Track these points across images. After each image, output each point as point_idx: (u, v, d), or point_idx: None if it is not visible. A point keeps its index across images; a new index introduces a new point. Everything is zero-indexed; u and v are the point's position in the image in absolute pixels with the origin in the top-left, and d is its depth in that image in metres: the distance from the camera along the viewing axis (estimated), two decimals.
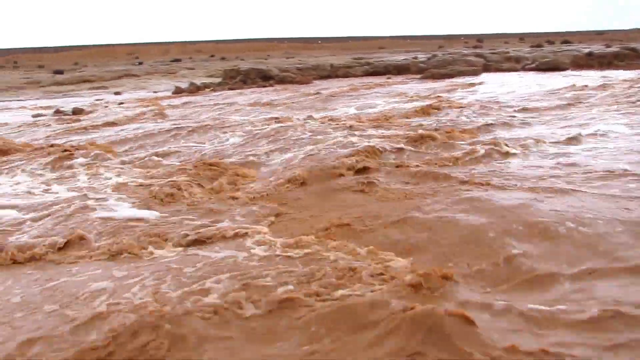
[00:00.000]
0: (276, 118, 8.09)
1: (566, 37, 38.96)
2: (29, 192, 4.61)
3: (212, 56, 35.02)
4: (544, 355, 1.82)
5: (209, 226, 3.39)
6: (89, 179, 5.03)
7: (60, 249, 3.20)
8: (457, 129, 6.52)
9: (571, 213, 3.20)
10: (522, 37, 49.71)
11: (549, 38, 40.65)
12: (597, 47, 22.20)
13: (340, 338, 2.01)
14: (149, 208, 3.94)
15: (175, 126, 7.84)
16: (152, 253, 3.05)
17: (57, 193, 4.52)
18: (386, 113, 8.30)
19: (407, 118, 7.73)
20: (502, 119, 7.24)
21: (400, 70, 18.80)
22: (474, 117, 7.57)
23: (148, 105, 11.36)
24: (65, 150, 6.28)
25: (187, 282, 2.58)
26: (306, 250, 2.85)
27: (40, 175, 5.30)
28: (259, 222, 3.48)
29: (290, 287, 2.42)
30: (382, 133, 6.37)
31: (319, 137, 6.19)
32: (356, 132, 6.36)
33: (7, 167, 5.72)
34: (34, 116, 10.53)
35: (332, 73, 18.68)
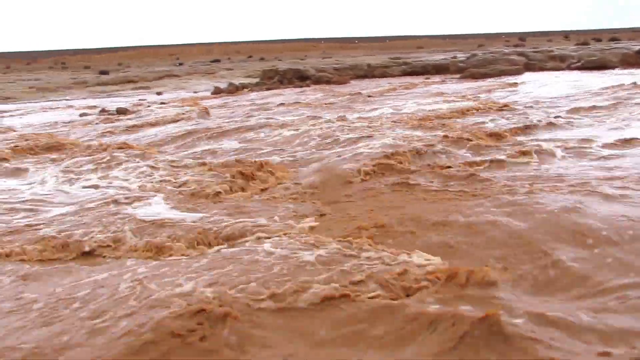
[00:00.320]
0: (313, 118, 8.13)
1: (614, 35, 37.36)
2: (75, 189, 4.81)
3: (251, 57, 35.52)
4: None
5: (251, 225, 3.44)
6: (132, 177, 5.19)
7: (106, 245, 3.33)
8: (498, 129, 6.38)
9: (618, 219, 3.08)
10: (566, 35, 48.07)
11: (596, 35, 39.11)
12: None
13: (381, 339, 2.01)
14: (189, 207, 4.04)
15: (214, 126, 8.00)
16: (194, 251, 3.12)
17: (101, 191, 4.69)
18: (425, 113, 8.20)
19: (447, 119, 7.60)
20: (545, 120, 7.02)
21: (438, 70, 18.53)
22: (516, 117, 7.38)
23: (188, 105, 11.63)
24: (110, 149, 6.52)
25: (230, 279, 2.63)
26: (347, 251, 2.85)
27: (87, 172, 5.51)
28: (300, 222, 3.52)
29: (335, 285, 2.43)
30: (421, 134, 6.29)
31: (356, 137, 6.18)
32: (395, 133, 6.32)
33: (56, 164, 5.99)
34: (80, 115, 10.97)
35: (369, 73, 18.60)
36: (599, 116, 7.33)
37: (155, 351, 1.99)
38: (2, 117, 11.46)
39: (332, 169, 4.88)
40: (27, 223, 3.81)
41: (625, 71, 14.43)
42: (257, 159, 5.43)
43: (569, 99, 9.28)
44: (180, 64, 29.20)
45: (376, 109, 9.25)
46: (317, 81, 16.33)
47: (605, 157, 4.86)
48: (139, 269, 2.88)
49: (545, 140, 5.66)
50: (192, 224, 3.58)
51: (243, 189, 4.53)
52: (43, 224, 3.76)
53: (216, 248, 3.19)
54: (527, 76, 14.95)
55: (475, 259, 2.76)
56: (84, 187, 4.88)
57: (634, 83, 10.31)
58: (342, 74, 17.69)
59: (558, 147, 5.24)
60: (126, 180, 5.08)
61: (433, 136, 6.06)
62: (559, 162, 4.80)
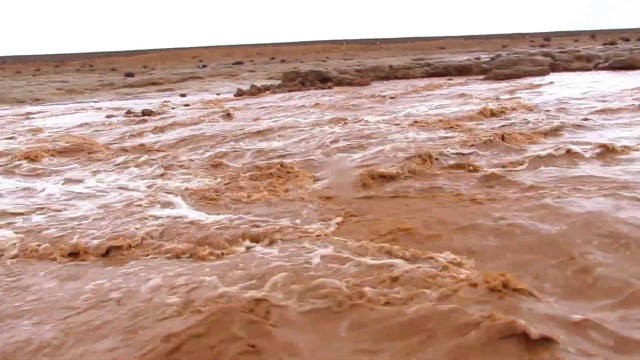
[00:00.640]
0: (336, 120, 8.13)
1: None
2: (100, 190, 4.90)
3: (273, 59, 35.72)
4: None
5: (274, 227, 3.46)
6: (155, 178, 5.27)
7: (133, 246, 3.38)
8: (524, 131, 6.27)
9: None
10: (593, 35, 47.00)
11: (624, 35, 38.13)
12: None
13: (408, 347, 1.99)
14: (212, 209, 4.08)
15: (237, 128, 8.07)
16: (219, 252, 3.15)
17: (126, 191, 4.77)
18: (448, 115, 8.12)
19: (471, 120, 7.52)
20: (572, 121, 6.88)
21: (461, 71, 18.32)
22: (542, 119, 7.24)
23: (211, 107, 11.77)
24: (135, 151, 6.65)
25: (253, 281, 2.65)
26: (372, 254, 2.84)
27: (111, 173, 5.62)
28: (324, 224, 3.52)
29: (365, 289, 2.42)
30: (445, 135, 6.24)
31: (380, 139, 6.15)
32: (418, 135, 6.27)
33: (82, 165, 6.12)
34: (107, 117, 11.20)
35: (391, 74, 18.51)
36: (628, 118, 7.15)
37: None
38: (32, 118, 11.78)
39: (355, 171, 4.87)
40: (53, 223, 3.90)
41: None
42: (279, 161, 5.46)
43: (597, 100, 9.06)
44: (204, 66, 29.56)
45: (399, 110, 9.19)
46: (339, 83, 16.32)
47: (635, 160, 4.73)
48: (167, 269, 2.93)
49: (573, 142, 5.53)
50: (216, 225, 3.61)
51: (265, 191, 4.55)
52: (69, 223, 3.84)
53: (240, 249, 3.21)
54: (553, 77, 14.67)
55: (504, 264, 2.72)
56: (109, 187, 4.97)
57: None
58: (364, 75, 17.65)
59: (586, 149, 5.13)
60: (150, 181, 5.16)
61: (457, 138, 5.99)
62: (587, 164, 4.69)
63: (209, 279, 2.69)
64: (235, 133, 7.60)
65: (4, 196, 4.81)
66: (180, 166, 5.73)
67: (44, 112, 13.16)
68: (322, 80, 16.59)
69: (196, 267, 2.92)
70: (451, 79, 16.30)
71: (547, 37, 44.89)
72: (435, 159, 5.10)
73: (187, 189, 4.69)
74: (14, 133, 9.15)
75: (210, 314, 2.22)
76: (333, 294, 2.39)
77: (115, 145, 7.42)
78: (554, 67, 16.61)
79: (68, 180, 5.35)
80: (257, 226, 3.49)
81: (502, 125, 6.93)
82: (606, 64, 16.29)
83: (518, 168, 4.72)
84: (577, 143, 5.47)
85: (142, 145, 7.05)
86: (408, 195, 4.12)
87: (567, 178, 4.20)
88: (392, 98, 11.49)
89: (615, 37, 35.37)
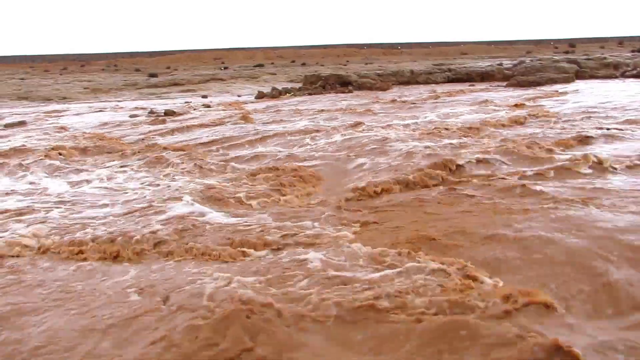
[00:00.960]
0: (356, 124, 8.11)
1: None
2: (123, 189, 4.97)
3: (293, 61, 35.86)
4: None
5: (294, 231, 3.46)
6: (176, 179, 5.33)
7: (155, 245, 3.42)
8: (548, 140, 6.16)
9: None
10: (621, 41, 46.00)
11: None
12: None
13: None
14: (230, 211, 4.10)
15: (258, 130, 8.12)
16: (239, 254, 3.17)
17: (148, 191, 4.83)
18: (470, 122, 8.03)
19: (493, 127, 7.42)
20: (598, 131, 6.73)
21: (483, 77, 18.12)
22: (567, 128, 7.11)
23: (232, 109, 11.86)
24: (157, 150, 6.73)
25: (273, 285, 2.65)
26: (391, 262, 2.82)
27: (134, 172, 5.70)
28: (343, 230, 3.50)
29: (381, 299, 2.40)
30: (466, 142, 6.16)
31: (400, 145, 6.12)
32: (440, 141, 6.21)
33: (105, 163, 6.22)
34: (130, 116, 11.38)
35: (412, 79, 18.41)
36: None
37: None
38: (58, 116, 12.04)
39: (376, 176, 4.85)
40: (77, 221, 3.97)
41: None
42: (299, 165, 5.46)
43: (624, 109, 8.85)
44: (225, 68, 29.84)
45: (420, 116, 9.13)
46: (360, 87, 16.30)
47: None
48: (185, 270, 2.95)
49: (598, 152, 5.41)
50: (234, 227, 3.63)
51: (283, 194, 4.56)
52: (94, 222, 3.90)
53: (258, 253, 3.22)
54: (578, 85, 14.39)
55: (527, 277, 2.66)
56: (132, 187, 5.04)
57: None
58: (385, 80, 17.59)
59: (613, 160, 5.01)
60: (171, 181, 5.21)
61: (479, 146, 5.92)
62: (614, 176, 4.58)
63: (227, 279, 2.70)
64: (255, 135, 7.64)
65: (30, 193, 4.92)
66: (200, 167, 5.77)
67: (70, 110, 13.44)
68: (343, 84, 16.58)
69: (220, 268, 2.94)
70: (473, 85, 16.14)
71: (572, 43, 44.10)
72: (457, 166, 5.04)
73: (207, 190, 4.73)
74: (41, 130, 9.36)
75: (225, 316, 2.23)
76: (350, 301, 2.37)
77: (139, 144, 7.53)
78: (580, 75, 16.31)
79: (92, 178, 5.44)
80: (275, 230, 3.49)
81: (525, 134, 6.82)
82: (634, 72, 15.94)
83: (542, 178, 4.63)
84: (603, 153, 5.34)
85: (164, 145, 7.14)
86: (428, 202, 4.08)
87: (593, 190, 4.10)
88: (413, 103, 11.43)
89: None
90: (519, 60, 21.85)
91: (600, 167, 4.79)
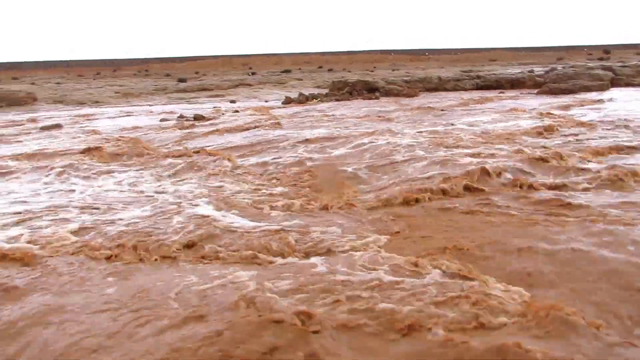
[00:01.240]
0: (384, 131, 8.06)
1: None
2: (154, 192, 5.05)
3: (320, 67, 36.00)
4: None
5: (322, 238, 3.44)
6: (206, 183, 5.38)
7: (187, 249, 3.45)
8: (583, 150, 5.99)
9: None
10: None
11: None
12: None
13: None
14: (260, 216, 4.11)
15: (285, 135, 8.15)
16: (268, 260, 3.17)
17: (176, 195, 4.88)
18: (500, 130, 7.88)
19: (525, 136, 7.26)
20: (636, 141, 6.51)
21: (514, 84, 17.78)
22: (602, 137, 6.90)
23: (260, 114, 11.95)
24: (186, 154, 6.83)
25: (302, 292, 2.63)
26: (421, 272, 2.77)
27: (164, 177, 5.78)
28: (372, 237, 3.47)
29: (410, 310, 2.35)
30: (497, 151, 6.04)
31: (429, 153, 6.04)
32: (469, 149, 6.11)
33: (136, 167, 6.34)
34: (160, 120, 11.60)
35: (440, 86, 18.22)
36: None
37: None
38: (91, 119, 12.36)
39: (405, 185, 4.80)
40: (108, 223, 4.04)
41: None
42: (327, 170, 5.45)
43: None
44: (253, 74, 30.16)
45: (448, 124, 9.01)
46: (387, 93, 16.22)
47: None
48: (217, 273, 2.96)
49: (637, 164, 5.23)
50: (262, 232, 3.64)
51: (313, 200, 4.55)
52: (124, 224, 3.97)
53: (287, 259, 3.21)
54: (614, 92, 13.97)
55: (563, 293, 2.57)
56: (160, 190, 5.11)
57: None
58: (412, 86, 17.45)
59: None
60: (200, 185, 5.27)
61: (510, 155, 5.80)
62: None
63: (257, 284, 2.70)
64: (283, 141, 7.67)
65: (62, 194, 5.04)
66: (229, 172, 5.82)
67: (102, 113, 13.79)
68: (370, 90, 16.54)
69: (249, 273, 2.94)
70: (503, 92, 15.86)
71: (607, 49, 42.90)
72: (487, 175, 4.94)
73: (236, 193, 4.76)
74: (75, 133, 9.62)
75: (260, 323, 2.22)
76: (383, 315, 2.33)
77: (169, 148, 7.65)
78: (615, 82, 15.84)
79: (122, 181, 5.55)
80: (303, 236, 3.48)
81: (558, 143, 6.65)
82: None
83: (577, 189, 4.49)
84: None
85: (193, 149, 7.23)
86: (458, 212, 4.00)
87: (632, 203, 3.95)
88: (441, 110, 11.29)
89: None
90: (551, 67, 21.39)
91: (638, 178, 4.62)
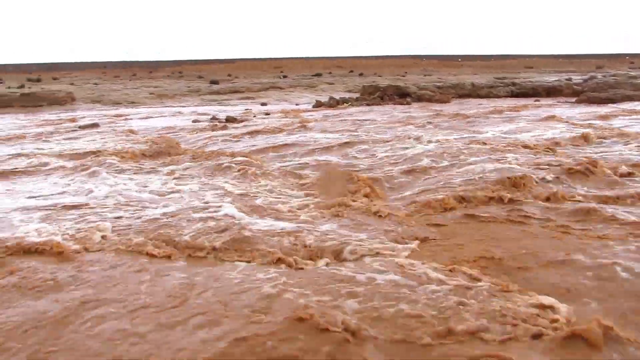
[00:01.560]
0: (415, 137, 7.97)
1: None
2: (184, 192, 5.11)
3: (351, 71, 35.97)
4: None
5: (351, 243, 3.40)
6: (237, 184, 5.42)
7: (215, 248, 3.47)
8: (625, 162, 5.76)
9: None
10: None
11: None
12: None
13: None
14: (290, 218, 4.10)
15: (314, 139, 8.15)
16: (297, 263, 3.16)
17: (207, 195, 4.93)
18: (537, 139, 7.67)
19: (562, 146, 7.04)
20: None
21: (550, 92, 17.35)
22: None
23: (291, 117, 12.01)
24: (218, 156, 6.90)
25: (330, 297, 2.61)
26: (455, 283, 2.70)
27: (197, 177, 5.85)
28: (402, 245, 3.41)
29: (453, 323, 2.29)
30: (532, 161, 5.88)
31: (463, 160, 5.93)
32: (504, 157, 5.97)
33: (169, 166, 6.44)
34: (193, 121, 11.80)
35: (473, 92, 17.93)
36: None
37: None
38: (127, 119, 12.68)
39: (437, 192, 4.71)
40: (141, 220, 4.11)
41: None
42: (358, 175, 5.40)
43: None
44: (284, 77, 30.38)
45: (482, 131, 8.84)
46: (418, 99, 16.07)
47: None
48: (247, 274, 2.96)
49: None
50: (292, 235, 3.62)
51: (345, 205, 4.51)
52: (157, 222, 4.03)
53: (318, 263, 3.19)
54: None
55: (604, 309, 2.46)
56: (192, 190, 5.17)
57: None
58: (445, 92, 17.23)
59: None
60: (231, 185, 5.31)
61: (547, 164, 5.63)
62: None
63: (286, 287, 2.69)
64: (315, 144, 7.67)
65: (97, 192, 5.16)
66: (262, 173, 5.84)
67: (137, 114, 14.13)
68: (401, 96, 16.42)
69: (278, 276, 2.93)
70: (538, 100, 15.49)
71: None
72: (523, 184, 4.81)
73: (267, 195, 4.77)
74: (111, 132, 9.88)
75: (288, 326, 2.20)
76: (414, 325, 2.28)
77: (201, 149, 7.76)
78: None
79: (155, 180, 5.65)
80: (335, 240, 3.45)
81: (598, 153, 6.42)
82: None
83: (617, 202, 4.32)
84: None
85: (225, 150, 7.31)
86: (492, 221, 3.90)
87: None
88: (475, 117, 11.09)
89: None
90: (590, 75, 20.77)
91: None
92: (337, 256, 3.25)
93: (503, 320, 2.30)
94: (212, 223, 3.95)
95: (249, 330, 2.27)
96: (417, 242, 3.47)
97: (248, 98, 19.50)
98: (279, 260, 3.19)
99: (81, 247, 3.56)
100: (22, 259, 3.34)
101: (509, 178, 4.85)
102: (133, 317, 2.50)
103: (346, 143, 7.68)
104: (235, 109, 15.08)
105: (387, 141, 7.69)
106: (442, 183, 4.99)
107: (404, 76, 29.08)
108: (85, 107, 16.78)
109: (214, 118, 11.96)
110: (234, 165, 6.18)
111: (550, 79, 21.74)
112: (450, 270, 2.84)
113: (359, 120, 11.10)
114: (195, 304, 2.61)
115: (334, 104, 15.34)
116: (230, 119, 11.54)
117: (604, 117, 10.46)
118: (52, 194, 5.04)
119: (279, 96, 20.01)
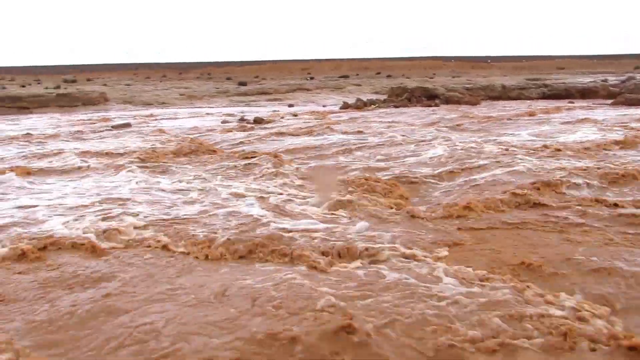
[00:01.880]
0: (445, 139, 7.85)
1: None
2: (215, 192, 5.15)
3: (378, 73, 35.79)
4: None
5: (382, 246, 3.36)
6: (266, 185, 5.43)
7: (250, 248, 3.47)
8: None
9: None
10: None
11: None
12: None
13: None
14: (320, 219, 4.08)
15: (344, 140, 8.12)
16: (328, 263, 3.13)
17: (237, 194, 4.95)
18: (572, 142, 7.45)
19: (599, 149, 6.82)
20: None
21: (584, 94, 16.86)
22: None
23: (318, 119, 12.01)
24: (247, 156, 6.95)
25: (355, 298, 2.57)
26: (492, 289, 2.63)
27: (226, 177, 5.89)
28: (435, 248, 3.35)
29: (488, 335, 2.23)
30: (567, 165, 5.70)
31: (495, 163, 5.80)
32: (538, 161, 5.81)
33: (198, 166, 6.51)
34: (222, 122, 11.92)
35: (504, 94, 17.58)
36: None
37: None
38: (157, 119, 12.91)
39: (468, 196, 4.62)
40: (173, 218, 4.15)
41: None
42: (387, 177, 5.35)
43: None
44: (311, 78, 30.45)
45: (514, 134, 8.64)
46: (447, 101, 15.84)
47: None
48: (282, 275, 2.96)
49: None
50: (322, 236, 3.60)
51: (374, 206, 4.47)
52: (189, 221, 4.06)
53: (350, 265, 3.15)
54: None
55: None
56: (222, 189, 5.21)
57: None
58: (474, 94, 16.95)
59: None
60: (259, 186, 5.33)
61: (582, 168, 5.45)
62: None
63: (318, 288, 2.67)
64: (342, 145, 7.64)
65: (130, 190, 5.25)
66: (289, 174, 5.85)
67: (168, 114, 14.38)
68: (429, 97, 16.22)
69: (309, 276, 2.92)
70: (572, 102, 15.07)
71: None
72: (558, 189, 4.67)
73: (295, 196, 4.77)
74: (143, 132, 10.08)
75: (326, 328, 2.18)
76: (450, 334, 2.23)
77: (230, 149, 7.83)
78: None
79: (185, 179, 5.71)
80: (365, 243, 3.41)
81: (636, 158, 6.19)
82: None
83: None
84: None
85: (253, 151, 7.35)
86: (528, 226, 3.79)
87: None
88: (507, 119, 10.87)
89: None
90: (628, 77, 20.12)
91: None
92: (371, 258, 3.21)
93: (557, 331, 2.21)
94: (242, 222, 3.96)
95: (281, 328, 2.25)
96: (448, 247, 3.40)
97: (275, 99, 19.62)
98: (311, 262, 3.16)
99: (113, 244, 3.63)
100: (60, 254, 3.43)
101: (544, 182, 4.71)
102: (177, 313, 2.52)
103: (373, 144, 7.62)
104: (263, 110, 15.18)
105: (416, 142, 7.60)
106: (475, 186, 4.89)
107: (432, 78, 28.76)
108: (117, 107, 17.19)
109: (242, 119, 12.06)
110: (262, 165, 6.20)
111: (584, 80, 21.13)
112: (481, 277, 2.76)
113: (386, 121, 11.02)
114: (231, 303, 2.62)
115: (361, 105, 15.26)
116: (258, 120, 11.61)
117: None
118: (87, 192, 5.15)
119: (306, 98, 20.05)
